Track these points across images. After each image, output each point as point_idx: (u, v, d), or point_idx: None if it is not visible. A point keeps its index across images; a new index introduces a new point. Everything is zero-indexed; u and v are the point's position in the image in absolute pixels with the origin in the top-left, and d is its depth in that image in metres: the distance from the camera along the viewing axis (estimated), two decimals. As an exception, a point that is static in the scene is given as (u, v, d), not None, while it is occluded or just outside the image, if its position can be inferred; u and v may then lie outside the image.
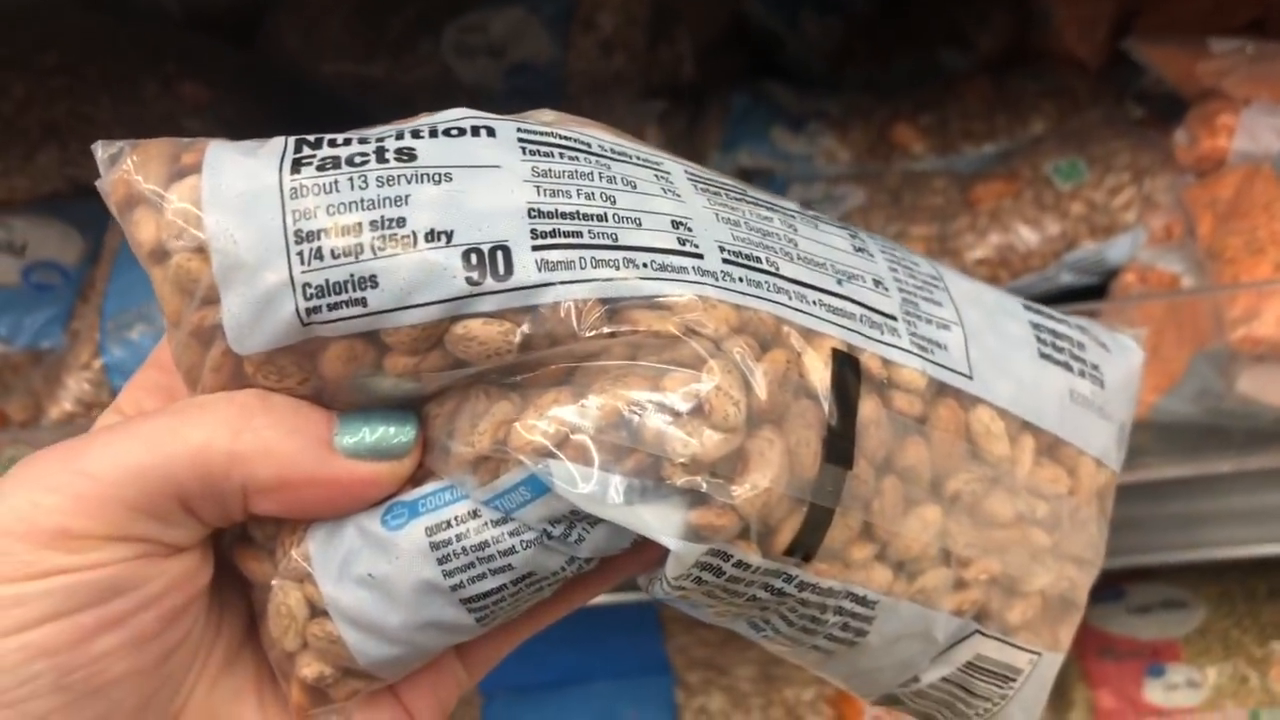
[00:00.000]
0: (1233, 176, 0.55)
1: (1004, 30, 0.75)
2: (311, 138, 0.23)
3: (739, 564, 0.23)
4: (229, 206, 0.22)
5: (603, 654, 0.75)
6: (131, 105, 0.74)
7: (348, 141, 0.23)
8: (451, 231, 0.22)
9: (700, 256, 0.24)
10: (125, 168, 0.23)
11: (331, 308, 0.21)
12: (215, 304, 0.22)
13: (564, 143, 0.25)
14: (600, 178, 0.24)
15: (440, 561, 0.23)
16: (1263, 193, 0.53)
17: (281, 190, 0.22)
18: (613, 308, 0.22)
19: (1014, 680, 0.29)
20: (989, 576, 0.27)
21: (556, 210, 0.23)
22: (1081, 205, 0.60)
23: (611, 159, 0.25)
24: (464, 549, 0.23)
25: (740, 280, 0.24)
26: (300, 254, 0.21)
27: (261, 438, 0.22)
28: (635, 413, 0.22)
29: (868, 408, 0.24)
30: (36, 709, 0.20)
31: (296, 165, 0.22)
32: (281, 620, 0.24)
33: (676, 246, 0.23)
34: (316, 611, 0.24)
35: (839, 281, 0.26)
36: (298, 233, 0.21)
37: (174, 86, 0.75)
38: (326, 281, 0.21)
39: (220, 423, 0.22)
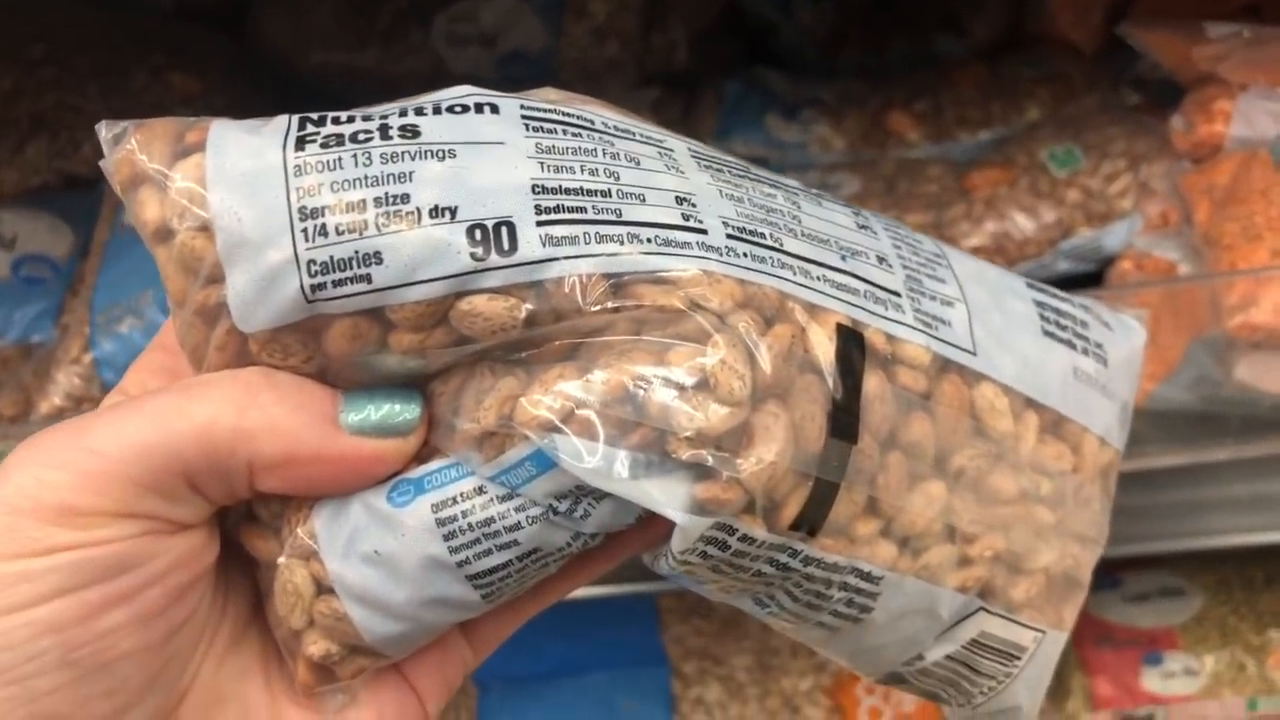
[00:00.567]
0: (1229, 162, 0.55)
1: (998, 16, 0.74)
2: (315, 115, 0.23)
3: (744, 538, 0.23)
4: (233, 184, 0.22)
5: (599, 645, 0.75)
6: (121, 96, 0.73)
7: (351, 119, 0.23)
8: (456, 207, 0.22)
9: (704, 232, 0.24)
10: (129, 147, 0.23)
11: (336, 284, 0.22)
12: (220, 282, 0.22)
13: (567, 119, 0.25)
14: (604, 154, 0.24)
15: (446, 538, 0.23)
16: (1260, 178, 0.53)
17: (285, 167, 0.22)
18: (617, 283, 0.22)
19: (1018, 658, 0.28)
20: (993, 553, 0.27)
21: (560, 186, 0.23)
22: (1077, 192, 0.59)
23: (615, 136, 0.25)
24: (470, 525, 0.23)
25: (745, 256, 0.24)
26: (305, 231, 0.21)
27: (267, 414, 0.22)
28: (640, 387, 0.22)
29: (872, 383, 0.24)
30: (43, 685, 0.20)
31: (300, 143, 0.22)
32: (288, 598, 0.24)
33: (680, 222, 0.24)
34: (323, 589, 0.24)
35: (843, 258, 0.26)
36: (302, 209, 0.21)
37: (164, 77, 0.75)
38: (331, 258, 0.21)
39: (226, 400, 0.22)
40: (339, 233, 0.21)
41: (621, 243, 0.23)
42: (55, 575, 0.20)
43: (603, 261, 0.22)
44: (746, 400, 0.22)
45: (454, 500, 0.23)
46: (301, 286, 0.21)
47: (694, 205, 0.24)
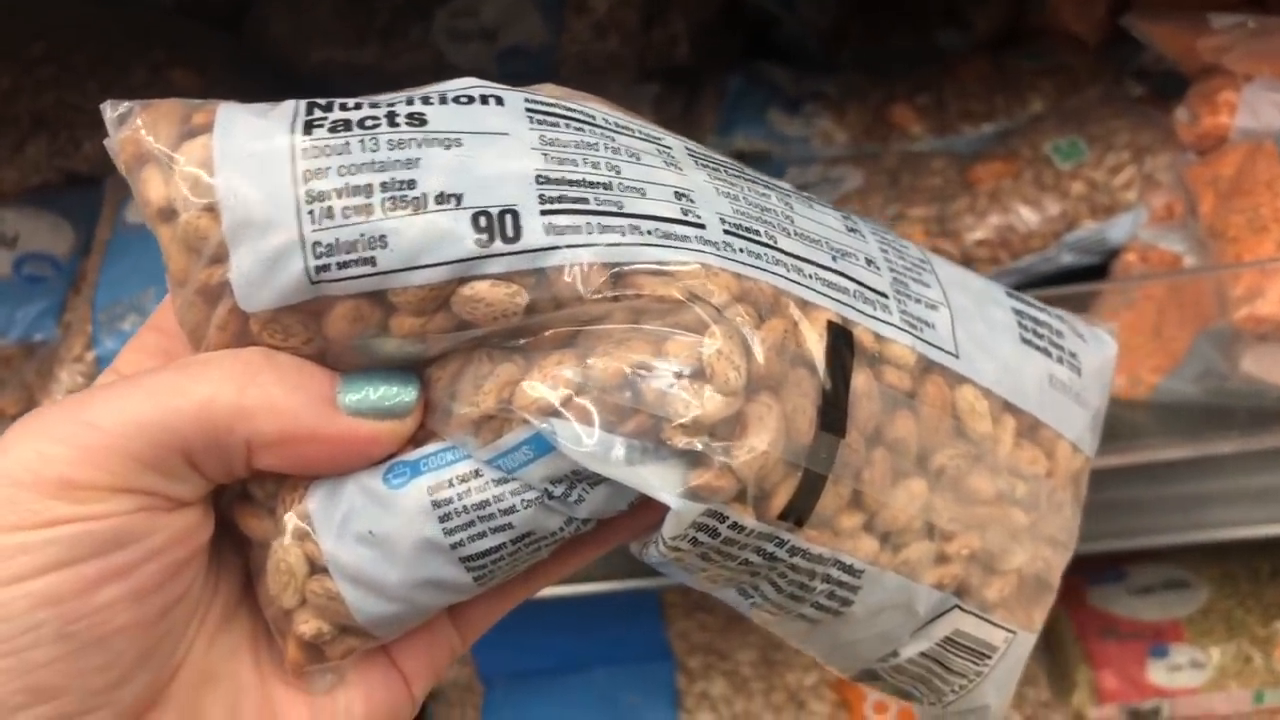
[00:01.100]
0: (1235, 154, 0.55)
1: (1000, 9, 0.74)
2: (323, 101, 0.23)
3: (734, 526, 0.24)
4: (240, 166, 0.22)
5: (604, 640, 0.75)
6: (121, 93, 0.73)
7: (359, 105, 0.23)
8: (461, 194, 0.22)
9: (703, 227, 0.24)
10: (134, 126, 0.23)
11: (340, 266, 0.22)
12: (223, 262, 0.22)
13: (570, 114, 0.25)
14: (605, 148, 0.24)
15: (442, 519, 0.23)
16: (1265, 170, 0.53)
17: (293, 151, 0.22)
18: (618, 272, 0.23)
19: (989, 658, 0.29)
20: (969, 552, 0.27)
21: (563, 177, 0.23)
22: (1082, 185, 0.59)
23: (615, 131, 0.25)
24: (465, 508, 0.23)
25: (741, 251, 0.24)
26: (311, 213, 0.22)
27: (266, 393, 0.22)
28: (639, 375, 0.22)
29: (860, 380, 0.25)
30: (39, 657, 0.20)
31: (308, 127, 0.23)
32: (281, 577, 0.24)
33: (680, 216, 0.24)
34: (316, 568, 0.24)
35: (833, 258, 0.26)
36: (309, 192, 0.22)
37: (164, 74, 0.74)
38: (336, 240, 0.22)
39: (225, 378, 0.22)
40: (345, 215, 0.22)
41: (623, 234, 0.23)
42: (54, 548, 0.20)
43: (604, 251, 0.23)
44: (741, 390, 0.23)
45: (450, 483, 0.24)
46: (306, 268, 0.22)
47: (692, 201, 0.24)
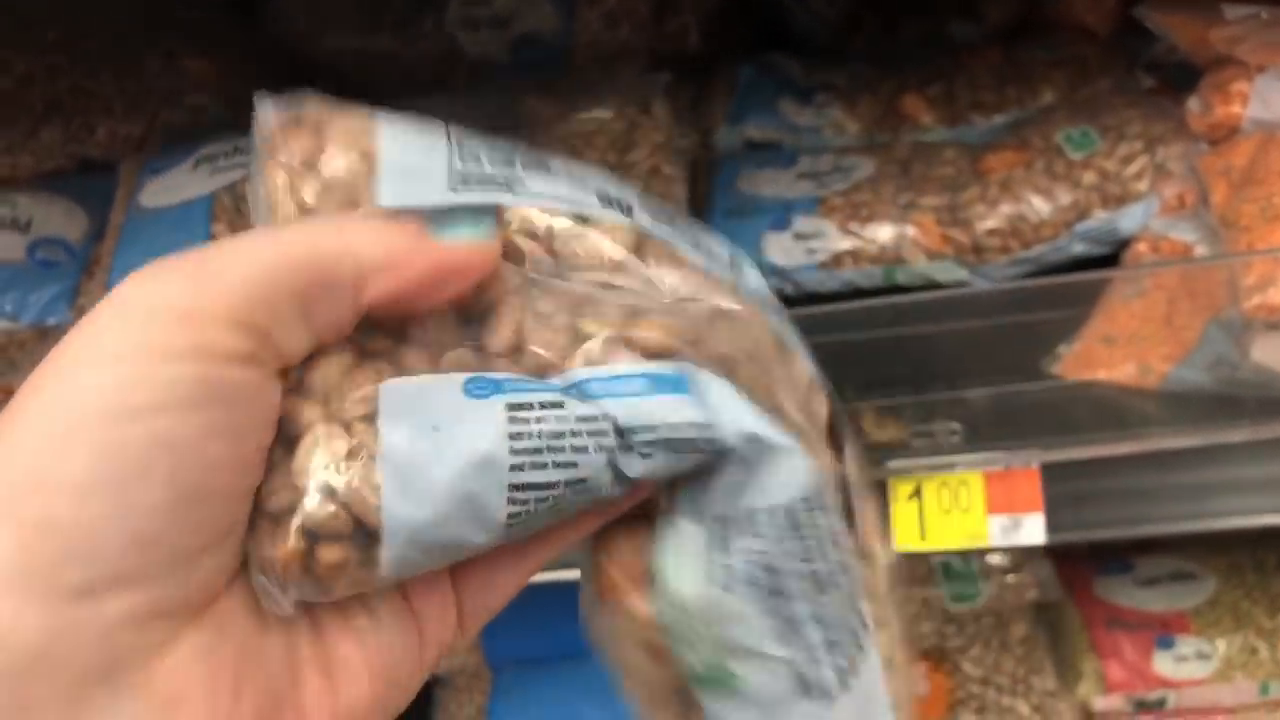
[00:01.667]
0: (1247, 144, 0.55)
1: (1013, 0, 0.74)
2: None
3: None
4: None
5: (612, 628, 0.75)
6: (134, 80, 0.73)
7: None
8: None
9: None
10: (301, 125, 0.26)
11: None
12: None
13: None
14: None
15: (512, 438, 0.23)
16: (1277, 159, 0.53)
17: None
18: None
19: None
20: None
21: None
22: (1093, 174, 0.59)
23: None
24: (540, 433, 0.23)
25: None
26: None
27: (366, 225, 0.23)
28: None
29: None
30: (148, 499, 0.20)
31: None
32: (319, 454, 0.23)
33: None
34: (358, 455, 0.23)
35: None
36: None
37: (177, 61, 0.75)
38: None
39: (325, 224, 0.24)
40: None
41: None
42: (176, 388, 0.20)
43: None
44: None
45: (532, 405, 0.24)
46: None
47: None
